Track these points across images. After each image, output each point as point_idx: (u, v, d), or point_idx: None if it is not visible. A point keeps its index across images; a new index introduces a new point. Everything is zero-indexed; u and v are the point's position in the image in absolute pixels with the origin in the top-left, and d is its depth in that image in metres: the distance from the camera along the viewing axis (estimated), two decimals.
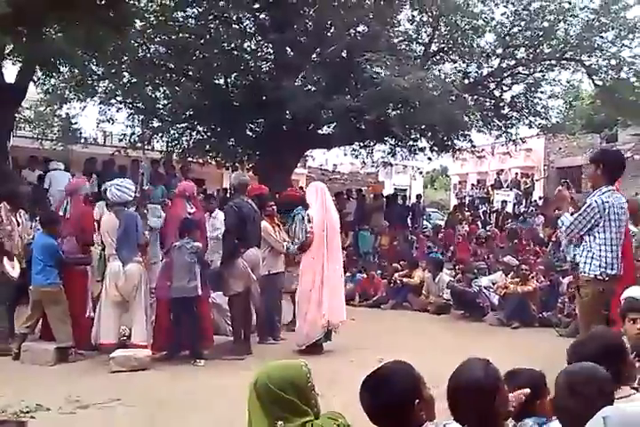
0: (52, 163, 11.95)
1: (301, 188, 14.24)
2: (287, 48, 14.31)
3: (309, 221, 7.10)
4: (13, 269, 6.84)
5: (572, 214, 4.79)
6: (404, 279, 10.86)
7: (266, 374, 2.53)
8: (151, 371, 6.08)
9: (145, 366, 6.10)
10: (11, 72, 11.83)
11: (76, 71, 12.94)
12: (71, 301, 6.51)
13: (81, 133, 16.28)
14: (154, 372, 6.06)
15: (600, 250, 4.60)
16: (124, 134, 16.08)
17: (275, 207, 7.98)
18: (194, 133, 16.17)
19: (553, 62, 15.46)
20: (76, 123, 15.84)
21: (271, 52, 15.02)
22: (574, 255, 4.88)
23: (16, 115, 12.99)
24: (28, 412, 4.64)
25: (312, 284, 6.94)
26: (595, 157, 4.93)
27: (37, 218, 7.56)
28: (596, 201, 4.58)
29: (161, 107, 15.27)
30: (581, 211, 4.65)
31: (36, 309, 6.52)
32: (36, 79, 12.85)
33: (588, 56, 14.97)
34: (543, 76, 15.90)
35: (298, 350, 6.97)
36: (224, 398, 5.09)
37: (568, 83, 17.28)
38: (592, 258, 4.64)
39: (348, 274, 11.74)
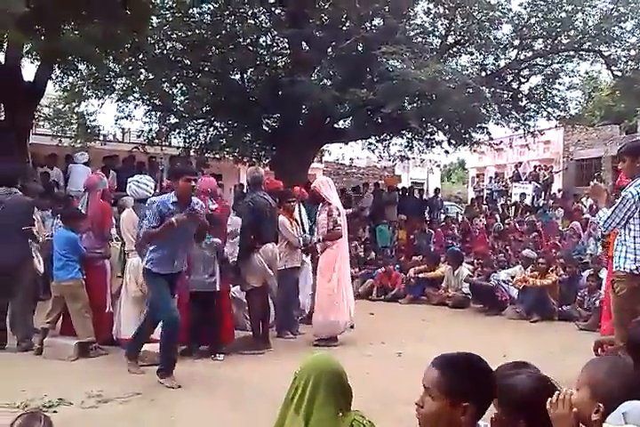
0: (76, 154, 12.00)
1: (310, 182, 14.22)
2: (303, 43, 14.28)
3: (339, 215, 7.25)
4: (40, 263, 6.94)
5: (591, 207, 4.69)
6: (421, 274, 10.81)
7: (332, 364, 2.54)
8: None
9: None
10: (29, 70, 11.98)
11: (94, 69, 13.04)
12: (91, 296, 6.57)
13: (99, 130, 16.41)
14: None
15: (635, 242, 4.45)
16: (142, 131, 16.19)
17: (294, 203, 7.99)
18: (211, 129, 16.24)
19: (571, 53, 15.30)
20: (94, 120, 15.99)
21: (287, 46, 15.01)
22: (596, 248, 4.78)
23: (35, 113, 13.13)
24: (50, 406, 4.69)
25: (343, 274, 7.22)
26: (630, 149, 4.78)
27: (58, 215, 7.63)
28: (630, 192, 4.45)
29: (178, 103, 15.33)
30: (617, 203, 4.51)
31: (57, 304, 6.59)
32: (54, 77, 13.00)
33: (607, 46, 14.78)
34: (561, 67, 15.71)
35: (315, 344, 7.01)
36: (244, 392, 5.13)
37: (587, 74, 17.16)
38: (627, 252, 4.48)
39: (365, 271, 11.78)
